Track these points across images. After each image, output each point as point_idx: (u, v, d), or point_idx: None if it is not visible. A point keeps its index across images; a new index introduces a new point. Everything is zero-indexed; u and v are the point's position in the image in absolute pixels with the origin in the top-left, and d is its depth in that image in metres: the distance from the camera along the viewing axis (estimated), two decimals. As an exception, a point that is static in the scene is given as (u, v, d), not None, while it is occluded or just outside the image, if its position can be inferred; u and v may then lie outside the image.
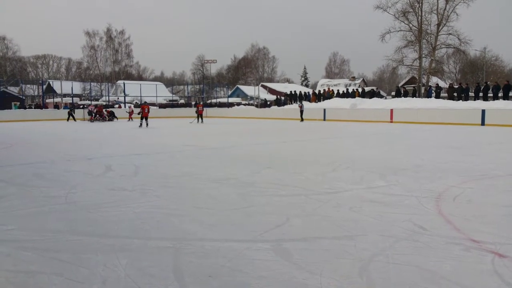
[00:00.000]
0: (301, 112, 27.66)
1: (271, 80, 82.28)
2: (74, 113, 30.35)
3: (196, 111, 27.24)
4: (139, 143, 13.08)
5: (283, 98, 39.17)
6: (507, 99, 22.68)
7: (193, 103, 44.59)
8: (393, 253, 3.28)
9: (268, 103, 41.81)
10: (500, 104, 21.48)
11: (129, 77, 70.89)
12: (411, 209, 4.61)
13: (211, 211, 4.59)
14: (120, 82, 56.38)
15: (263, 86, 69.11)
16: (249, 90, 64.35)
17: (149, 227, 4.01)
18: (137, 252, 3.35)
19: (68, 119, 29.68)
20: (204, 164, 8.25)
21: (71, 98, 43.46)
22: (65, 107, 38.11)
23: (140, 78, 77.15)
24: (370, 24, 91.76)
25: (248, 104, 45.66)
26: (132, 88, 45.48)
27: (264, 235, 3.74)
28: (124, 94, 44.23)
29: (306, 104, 31.06)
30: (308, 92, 38.96)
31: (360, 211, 4.56)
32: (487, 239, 3.58)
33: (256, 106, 34.26)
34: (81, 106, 36.94)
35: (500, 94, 24.09)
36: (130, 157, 9.40)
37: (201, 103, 35.10)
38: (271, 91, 67.99)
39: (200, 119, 26.70)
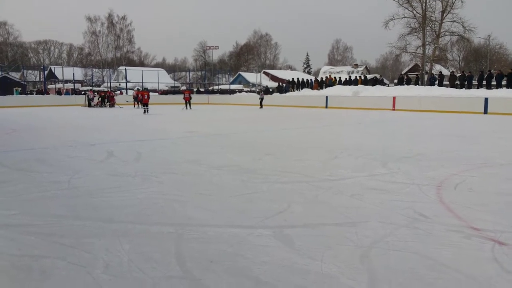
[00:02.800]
0: (261, 99, 29.10)
1: (273, 67, 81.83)
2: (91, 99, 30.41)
3: (183, 97, 27.56)
4: (141, 130, 13.09)
5: (285, 85, 39.00)
6: (511, 88, 22.52)
7: (182, 88, 44.71)
8: (393, 240, 3.30)
9: (271, 90, 41.66)
10: (504, 92, 21.35)
11: (131, 63, 70.53)
12: (412, 196, 4.62)
13: (213, 197, 4.62)
14: (121, 68, 56.10)
15: (265, 73, 68.78)
16: (251, 77, 64.08)
17: (152, 212, 4.04)
18: (139, 237, 3.38)
19: (89, 105, 29.87)
20: (205, 150, 8.27)
21: (73, 84, 43.40)
22: (67, 93, 38.06)
23: (141, 64, 76.84)
24: (374, 10, 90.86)
25: (250, 91, 45.51)
26: (134, 75, 45.29)
27: (265, 221, 3.76)
28: (126, 80, 44.10)
29: (307, 91, 30.96)
30: (311, 79, 38.75)
31: (361, 198, 4.58)
32: (487, 227, 3.60)
33: (258, 93, 34.15)
34: (82, 92, 36.91)
35: (503, 83, 23.92)
36: (133, 143, 9.42)
37: (189, 89, 35.66)
38: (273, 78, 67.67)
39: (188, 105, 26.92)
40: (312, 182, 5.36)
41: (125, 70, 46.51)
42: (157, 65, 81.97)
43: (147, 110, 21.88)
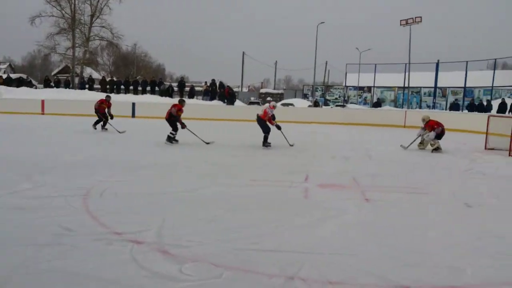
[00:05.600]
0: None
1: None
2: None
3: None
4: None
5: None
6: (154, 94, 25.64)
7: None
8: (35, 263, 3.13)
9: None
10: (148, 97, 24.14)
11: None
12: (59, 210, 4.52)
13: None
14: None
15: None
16: None
17: None
18: None
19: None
20: None
21: None
22: None
23: None
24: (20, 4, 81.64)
25: None
26: None
27: None
28: None
29: None
30: None
31: (4, 222, 4.10)
32: (129, 229, 3.96)
33: None
34: None
35: (148, 88, 26.85)
36: None
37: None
38: None
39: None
40: None
41: None
42: None
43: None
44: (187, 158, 8.84)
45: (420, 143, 11.33)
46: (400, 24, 26.04)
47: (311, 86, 41.10)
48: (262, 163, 8.42)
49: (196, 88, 30.08)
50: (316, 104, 30.22)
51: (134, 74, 46.27)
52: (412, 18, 25.43)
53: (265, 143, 10.78)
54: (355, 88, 35.56)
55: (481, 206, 5.38)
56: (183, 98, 13.77)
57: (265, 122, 10.70)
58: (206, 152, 9.73)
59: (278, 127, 10.74)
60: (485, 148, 11.81)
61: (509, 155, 10.40)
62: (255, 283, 2.98)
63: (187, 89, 28.13)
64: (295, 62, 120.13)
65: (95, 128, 13.84)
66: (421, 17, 25.13)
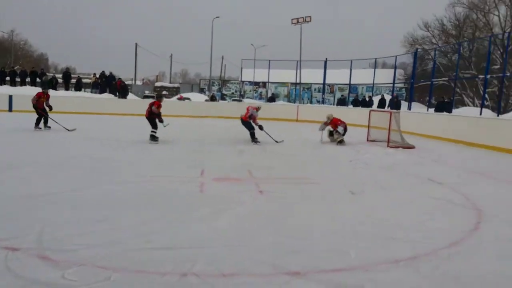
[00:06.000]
0: None
1: None
2: None
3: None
4: None
5: None
6: (35, 85, 23.24)
7: None
8: None
9: None
10: (28, 90, 21.79)
11: None
12: None
13: None
14: None
15: None
16: None
17: None
18: None
19: None
20: None
21: None
22: None
23: None
24: None
25: None
26: None
27: None
28: None
29: None
30: None
31: None
32: (2, 236, 3.54)
33: None
34: None
35: (28, 79, 24.34)
36: None
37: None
38: None
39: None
40: None
41: None
42: None
43: None
44: (72, 155, 8.19)
45: (331, 135, 12.14)
46: (292, 23, 27.22)
47: (208, 80, 41.10)
48: (156, 159, 8.17)
49: (84, 80, 28.09)
50: (213, 98, 30.29)
51: (11, 64, 41.67)
52: (303, 18, 26.74)
53: (253, 139, 11.20)
54: (250, 83, 36.38)
55: (364, 193, 5.85)
56: (161, 94, 12.74)
57: (248, 122, 11.21)
58: (93, 148, 9.12)
59: (261, 128, 11.25)
60: (367, 140, 12.93)
61: (387, 146, 11.51)
62: (147, 283, 2.86)
63: (74, 81, 26.16)
64: (191, 56, 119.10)
65: (39, 128, 12.18)
66: (310, 16, 26.56)
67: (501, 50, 29.22)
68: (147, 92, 37.19)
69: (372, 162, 8.86)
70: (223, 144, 10.97)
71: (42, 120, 12.36)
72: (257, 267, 3.15)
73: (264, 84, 35.94)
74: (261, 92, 37.43)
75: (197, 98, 32.41)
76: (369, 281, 2.97)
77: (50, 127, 12.38)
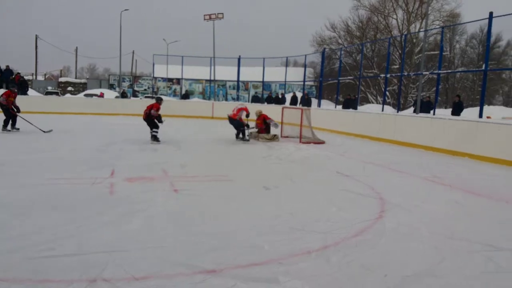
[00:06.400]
0: None
1: None
2: None
3: None
4: None
5: None
6: None
7: None
8: None
9: None
10: None
11: None
12: None
13: None
14: None
15: None
16: None
17: None
18: None
19: None
20: None
21: None
22: None
23: None
24: None
25: None
26: None
27: None
28: None
29: None
30: None
31: None
32: None
33: None
34: None
35: None
36: None
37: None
38: None
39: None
40: None
41: None
42: None
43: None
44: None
45: (261, 132, 12.59)
46: (204, 19, 27.01)
47: (117, 76, 39.28)
48: (62, 160, 7.60)
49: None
50: (124, 95, 29.02)
51: None
52: (215, 14, 26.65)
53: (244, 137, 11.73)
54: (164, 79, 35.51)
55: (277, 188, 5.99)
56: (160, 97, 12.02)
57: (236, 121, 11.56)
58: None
59: (247, 126, 11.73)
60: (281, 136, 13.30)
61: (300, 142, 11.95)
62: (50, 293, 2.64)
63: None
64: (100, 50, 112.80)
65: (8, 130, 11.14)
66: (223, 13, 26.55)
67: (400, 51, 31.88)
68: (50, 88, 34.55)
69: (285, 157, 9.12)
70: (135, 142, 10.55)
71: (10, 122, 11.45)
72: (171, 268, 3.06)
73: (178, 81, 35.32)
74: (175, 89, 36.74)
75: (107, 94, 30.89)
76: (283, 274, 3.04)
77: (18, 128, 11.52)
